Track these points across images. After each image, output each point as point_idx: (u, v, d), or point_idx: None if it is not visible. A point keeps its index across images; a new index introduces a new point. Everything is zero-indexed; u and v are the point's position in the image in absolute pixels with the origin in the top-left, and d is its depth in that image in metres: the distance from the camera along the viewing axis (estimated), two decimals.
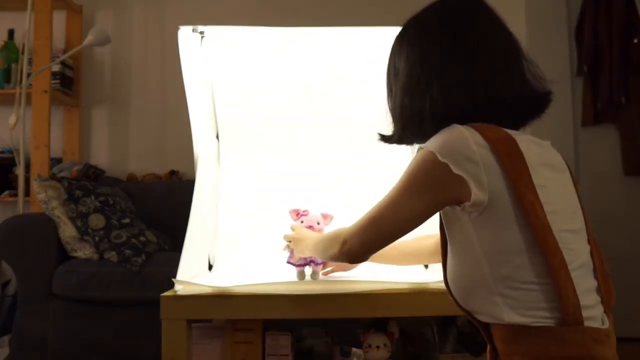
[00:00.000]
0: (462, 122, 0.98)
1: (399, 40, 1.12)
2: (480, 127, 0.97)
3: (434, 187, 0.97)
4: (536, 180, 0.94)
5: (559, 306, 0.89)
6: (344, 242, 1.10)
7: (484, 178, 0.92)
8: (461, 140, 0.95)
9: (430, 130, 1.02)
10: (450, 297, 1.05)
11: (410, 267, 1.65)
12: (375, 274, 1.53)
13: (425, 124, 1.03)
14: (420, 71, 1.04)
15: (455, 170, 0.93)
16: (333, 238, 1.15)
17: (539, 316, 0.90)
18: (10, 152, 2.88)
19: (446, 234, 1.05)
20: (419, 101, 1.03)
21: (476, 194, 0.92)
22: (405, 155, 1.85)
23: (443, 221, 1.06)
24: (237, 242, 1.78)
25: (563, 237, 0.92)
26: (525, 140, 0.99)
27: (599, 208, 2.72)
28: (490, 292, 0.94)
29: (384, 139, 1.17)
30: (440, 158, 0.95)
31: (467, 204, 0.94)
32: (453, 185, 0.94)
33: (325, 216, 1.51)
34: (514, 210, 0.92)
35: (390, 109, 1.13)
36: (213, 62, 1.78)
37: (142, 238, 2.40)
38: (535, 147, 1.00)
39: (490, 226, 0.94)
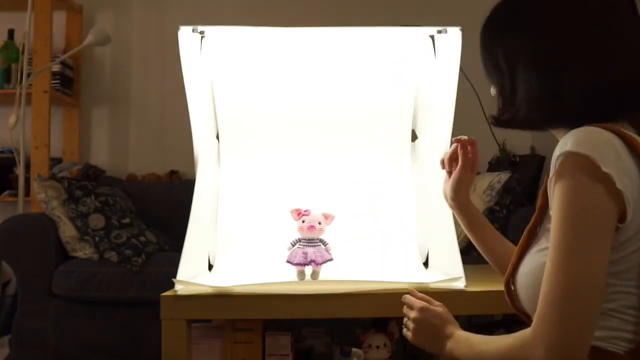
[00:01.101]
0: (606, 106, 0.87)
1: (513, 11, 0.98)
2: (620, 132, 0.83)
3: (603, 209, 0.78)
4: None
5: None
6: (536, 347, 0.79)
7: (636, 195, 0.79)
8: (614, 149, 0.80)
9: (567, 114, 0.90)
10: (506, 297, 0.96)
11: (409, 267, 1.66)
12: (376, 274, 1.53)
13: (563, 105, 0.90)
14: (559, 46, 0.90)
15: (618, 185, 0.78)
16: (518, 349, 0.84)
17: (614, 342, 0.82)
18: (10, 152, 2.88)
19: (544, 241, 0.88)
20: (558, 80, 0.89)
21: (629, 214, 0.79)
22: (405, 152, 1.84)
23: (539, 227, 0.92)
24: (237, 242, 1.78)
25: None
26: None
27: None
28: None
29: (500, 123, 1.01)
30: (603, 168, 0.78)
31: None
32: (615, 204, 0.78)
33: (326, 216, 1.51)
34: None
35: (505, 92, 0.98)
36: (213, 62, 1.78)
37: (142, 238, 2.40)
38: None
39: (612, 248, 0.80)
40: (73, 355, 2.25)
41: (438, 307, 1.08)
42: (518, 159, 2.91)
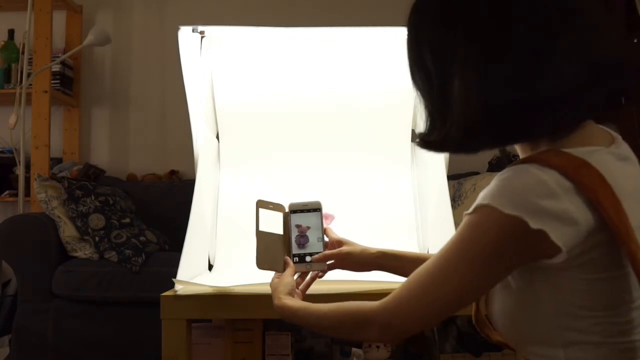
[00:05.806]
0: (575, 107, 0.77)
1: (442, 6, 0.81)
2: (558, 162, 0.75)
3: (497, 245, 0.76)
4: (631, 221, 0.75)
5: None
6: (383, 326, 0.84)
7: (583, 230, 0.74)
8: (546, 190, 0.73)
9: (522, 126, 0.78)
10: (477, 328, 0.96)
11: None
12: (375, 274, 1.53)
13: (514, 116, 0.77)
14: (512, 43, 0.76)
15: (533, 225, 0.73)
16: (360, 320, 0.88)
17: None
18: (10, 152, 2.88)
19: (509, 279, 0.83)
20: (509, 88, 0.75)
21: (564, 247, 0.74)
22: (405, 152, 1.84)
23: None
24: (237, 242, 1.78)
25: None
26: (608, 161, 0.78)
27: None
28: (553, 345, 0.79)
29: (429, 144, 0.85)
30: (506, 211, 0.74)
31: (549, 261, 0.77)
32: (526, 243, 0.75)
33: (326, 216, 1.51)
34: (607, 262, 0.76)
35: (434, 104, 0.84)
36: (213, 62, 1.78)
37: (142, 238, 2.40)
38: (620, 167, 0.80)
39: (573, 279, 0.77)
40: (73, 355, 2.25)
41: (286, 277, 1.15)
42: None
